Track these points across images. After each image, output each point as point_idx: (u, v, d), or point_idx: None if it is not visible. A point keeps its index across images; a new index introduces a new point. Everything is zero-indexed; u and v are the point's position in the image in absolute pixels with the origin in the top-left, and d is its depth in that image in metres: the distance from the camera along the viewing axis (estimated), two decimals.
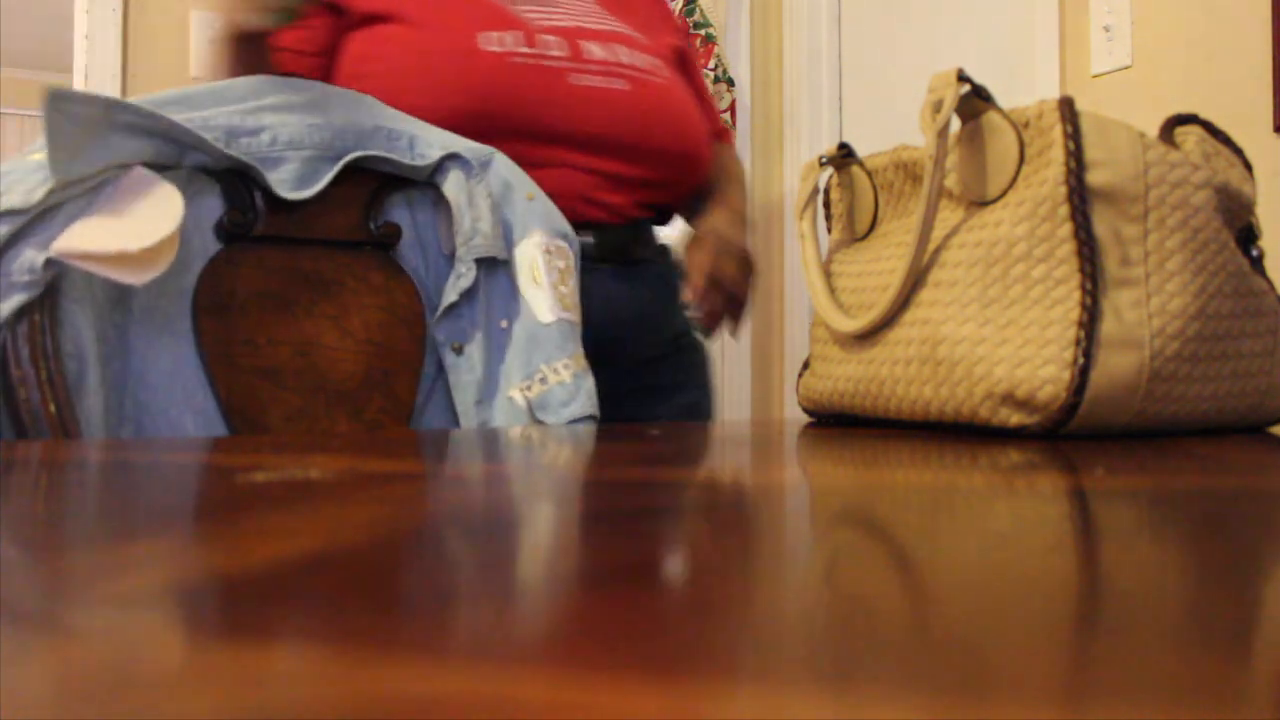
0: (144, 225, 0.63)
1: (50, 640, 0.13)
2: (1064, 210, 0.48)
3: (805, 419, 0.68)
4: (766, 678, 0.12)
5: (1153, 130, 0.53)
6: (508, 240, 0.81)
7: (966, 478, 0.33)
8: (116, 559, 0.19)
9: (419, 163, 0.79)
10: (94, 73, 2.00)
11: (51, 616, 0.14)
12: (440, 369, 0.80)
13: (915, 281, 0.54)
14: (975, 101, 0.52)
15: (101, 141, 0.65)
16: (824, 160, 0.64)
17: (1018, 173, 0.51)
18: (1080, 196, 0.48)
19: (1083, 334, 0.47)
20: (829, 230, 0.68)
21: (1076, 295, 0.48)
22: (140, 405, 0.68)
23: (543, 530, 0.23)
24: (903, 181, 0.60)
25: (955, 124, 0.54)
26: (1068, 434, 0.49)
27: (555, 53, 0.93)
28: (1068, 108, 0.49)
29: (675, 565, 0.18)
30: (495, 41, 0.91)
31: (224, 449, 0.44)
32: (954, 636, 0.13)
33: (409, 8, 0.92)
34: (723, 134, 1.19)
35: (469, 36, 0.90)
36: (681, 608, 0.15)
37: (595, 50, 0.96)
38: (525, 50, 0.91)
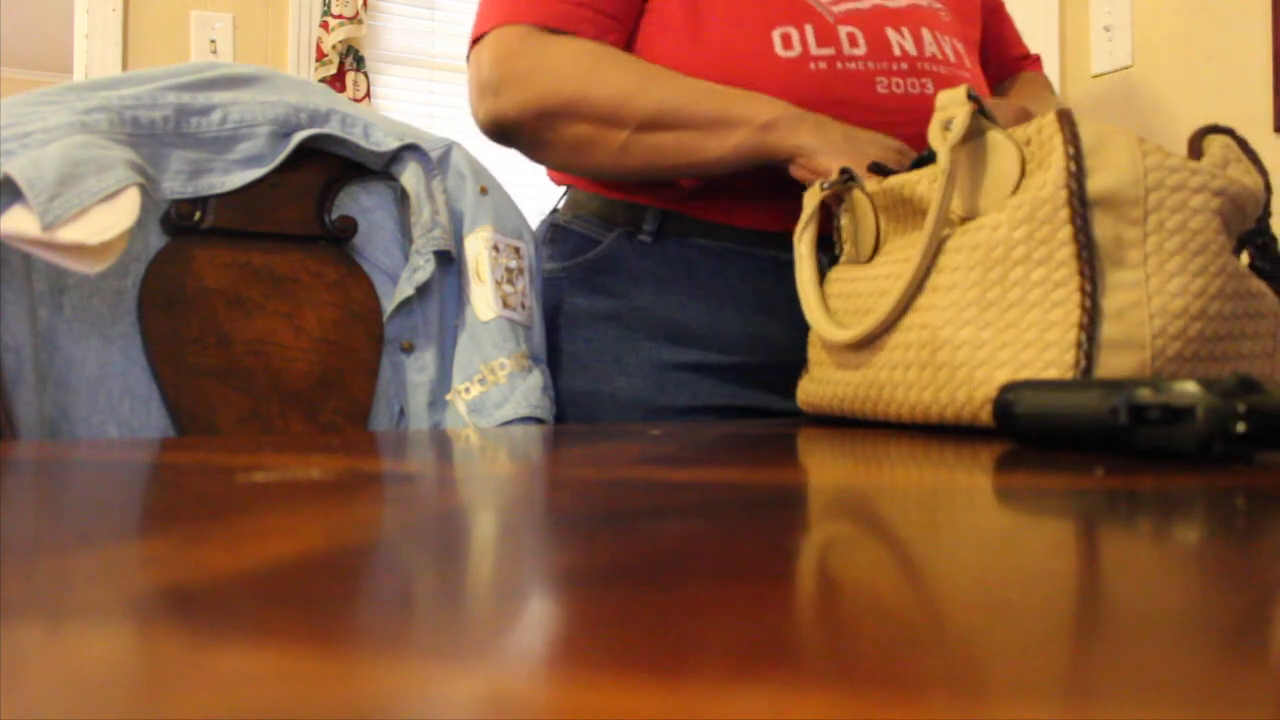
0: (103, 216, 0.62)
1: (51, 640, 0.14)
2: (1064, 213, 0.51)
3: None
4: (766, 678, 0.12)
5: (1160, 130, 0.55)
6: (457, 233, 0.82)
7: (966, 477, 0.34)
8: (115, 559, 0.19)
9: (375, 149, 0.79)
10: (94, 73, 1.99)
11: (52, 616, 0.15)
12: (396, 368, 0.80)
13: (914, 293, 0.56)
14: (980, 120, 0.55)
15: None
16: (824, 185, 0.67)
17: (1018, 187, 0.53)
18: (1080, 200, 0.51)
19: (1083, 335, 0.49)
20: (838, 252, 0.70)
21: (1076, 297, 0.50)
22: (60, 409, 0.67)
23: (543, 530, 0.24)
24: (902, 204, 0.62)
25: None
26: None
27: (857, 52, 0.84)
28: (1066, 118, 0.52)
29: (677, 565, 0.19)
30: (792, 43, 0.84)
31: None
32: (955, 636, 0.14)
33: None
34: (1030, 62, 1.13)
35: (763, 37, 0.84)
36: (682, 608, 0.16)
37: (899, 43, 0.87)
38: (825, 53, 0.84)
